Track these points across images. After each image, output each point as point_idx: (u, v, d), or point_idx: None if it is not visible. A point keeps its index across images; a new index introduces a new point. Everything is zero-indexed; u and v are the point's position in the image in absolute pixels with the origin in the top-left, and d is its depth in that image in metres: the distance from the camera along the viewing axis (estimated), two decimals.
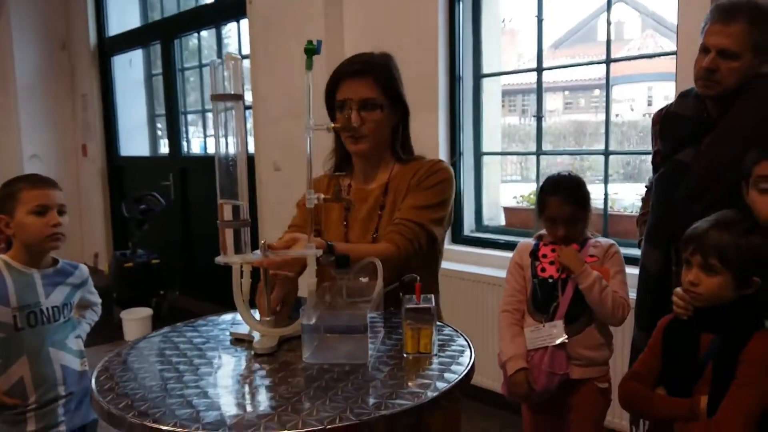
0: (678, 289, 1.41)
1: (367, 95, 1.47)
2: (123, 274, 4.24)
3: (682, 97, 1.68)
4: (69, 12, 5.76)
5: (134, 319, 3.94)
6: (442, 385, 1.01)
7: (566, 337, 1.70)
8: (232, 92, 1.17)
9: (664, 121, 1.72)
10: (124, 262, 4.27)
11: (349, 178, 1.60)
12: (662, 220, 1.65)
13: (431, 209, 1.47)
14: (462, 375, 1.05)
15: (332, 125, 1.26)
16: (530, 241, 1.86)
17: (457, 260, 3.06)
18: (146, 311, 4.00)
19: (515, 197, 3.51)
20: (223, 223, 1.19)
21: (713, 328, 1.32)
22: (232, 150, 1.20)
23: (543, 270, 1.78)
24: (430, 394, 0.98)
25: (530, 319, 1.78)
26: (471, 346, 1.20)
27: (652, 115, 1.83)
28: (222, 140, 1.21)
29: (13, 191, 1.66)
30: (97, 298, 1.92)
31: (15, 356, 1.64)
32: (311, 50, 1.16)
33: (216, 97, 1.18)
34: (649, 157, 1.82)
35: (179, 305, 4.65)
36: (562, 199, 1.74)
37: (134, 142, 5.68)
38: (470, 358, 1.13)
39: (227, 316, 1.46)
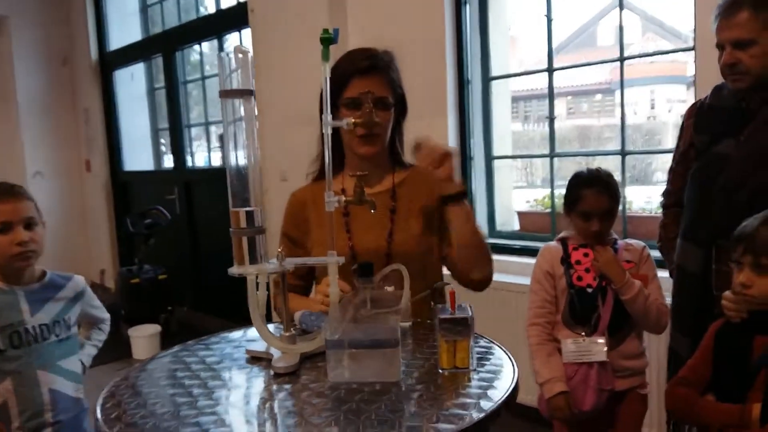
0: (727, 293, 1.33)
1: (382, 94, 1.40)
2: (130, 291, 4.16)
3: (718, 89, 1.63)
4: (70, 27, 5.72)
5: (142, 337, 3.84)
6: (487, 405, 0.90)
7: (606, 352, 1.60)
8: (242, 87, 1.07)
9: (699, 114, 1.64)
10: (131, 278, 4.19)
11: (341, 181, 1.49)
12: (702, 215, 1.57)
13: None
14: (507, 393, 0.94)
15: (353, 120, 1.16)
16: (555, 245, 1.74)
17: None
18: (155, 328, 3.91)
19: (528, 201, 3.42)
20: (236, 231, 1.09)
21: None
22: (243, 154, 1.11)
23: (579, 279, 1.66)
24: (476, 415, 0.87)
25: (566, 331, 1.67)
26: (512, 359, 1.09)
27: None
28: (232, 143, 1.11)
29: None
30: (102, 313, 1.79)
31: None
32: (328, 39, 1.06)
33: (225, 94, 1.08)
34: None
35: (188, 321, 4.55)
36: (599, 190, 1.64)
37: (138, 156, 5.62)
38: (513, 373, 1.03)
39: (241, 332, 1.35)
